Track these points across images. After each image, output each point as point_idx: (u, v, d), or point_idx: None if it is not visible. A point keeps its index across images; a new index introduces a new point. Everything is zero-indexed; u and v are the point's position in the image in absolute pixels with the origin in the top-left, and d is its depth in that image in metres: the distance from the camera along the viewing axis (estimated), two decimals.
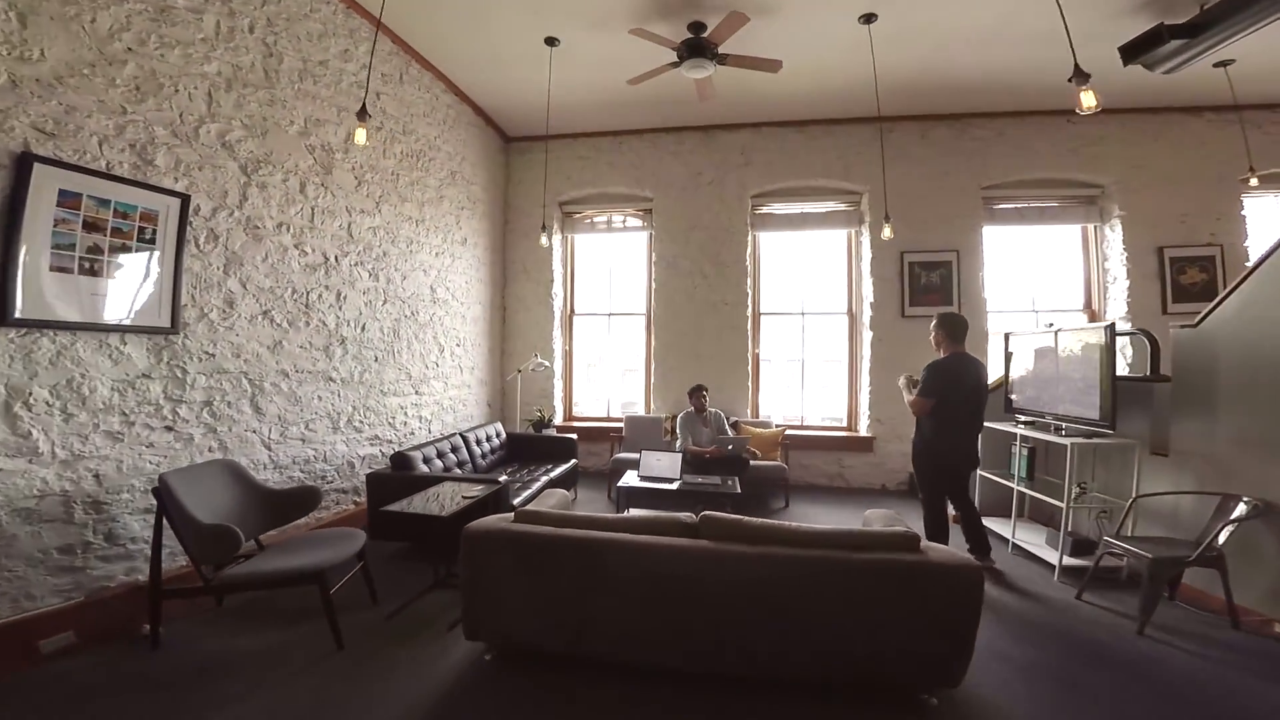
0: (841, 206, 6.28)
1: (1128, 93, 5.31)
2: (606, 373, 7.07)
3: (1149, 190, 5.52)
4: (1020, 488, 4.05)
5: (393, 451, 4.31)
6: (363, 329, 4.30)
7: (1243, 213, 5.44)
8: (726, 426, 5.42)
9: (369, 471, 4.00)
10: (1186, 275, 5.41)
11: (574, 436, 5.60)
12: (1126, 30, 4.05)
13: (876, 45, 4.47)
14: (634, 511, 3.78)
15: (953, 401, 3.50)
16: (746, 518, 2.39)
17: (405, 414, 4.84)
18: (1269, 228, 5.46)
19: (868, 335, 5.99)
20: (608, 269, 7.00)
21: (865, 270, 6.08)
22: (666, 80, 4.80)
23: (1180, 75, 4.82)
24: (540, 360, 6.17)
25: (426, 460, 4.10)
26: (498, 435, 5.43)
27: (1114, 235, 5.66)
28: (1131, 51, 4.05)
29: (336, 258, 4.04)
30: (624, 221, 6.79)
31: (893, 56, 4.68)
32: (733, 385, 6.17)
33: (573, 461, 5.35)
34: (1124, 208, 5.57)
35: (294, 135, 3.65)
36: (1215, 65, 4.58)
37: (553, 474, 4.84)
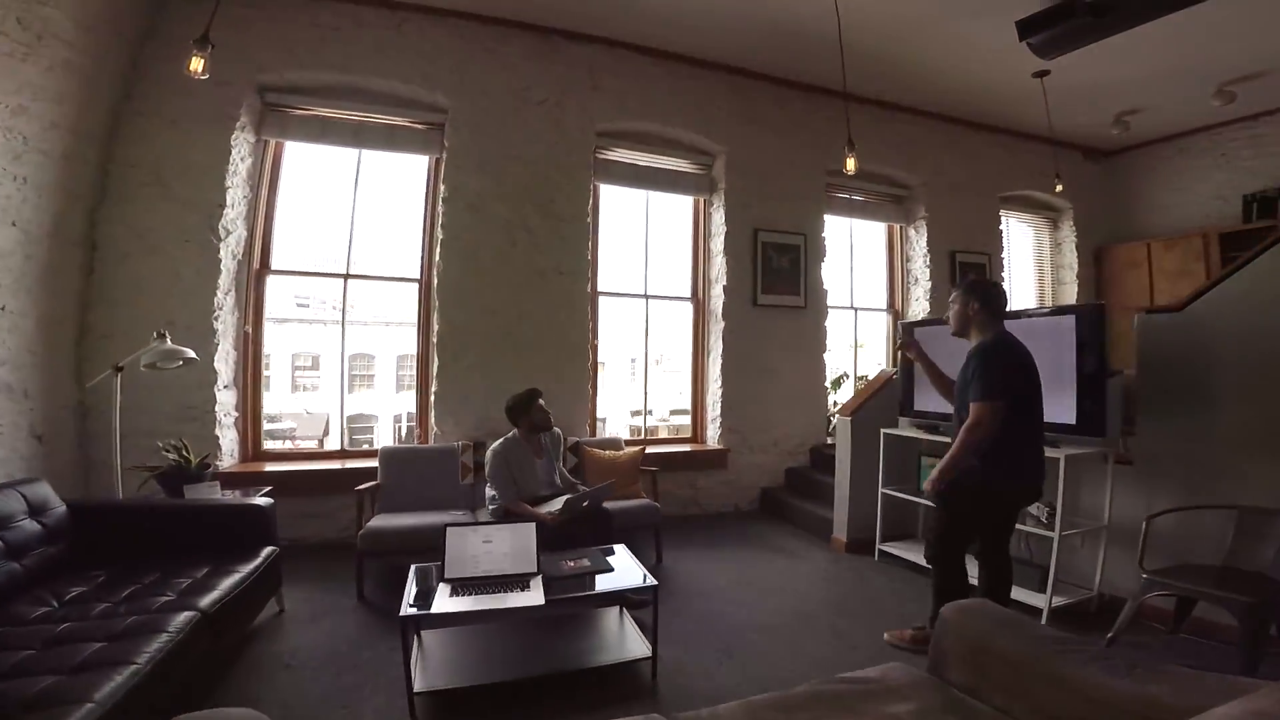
0: (693, 169, 5.07)
1: (940, 98, 5.43)
2: (334, 374, 4.48)
3: (946, 196, 5.77)
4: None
5: None
6: None
7: (1001, 228, 6.13)
8: (562, 454, 3.68)
9: None
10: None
11: (264, 502, 2.93)
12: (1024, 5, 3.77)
13: None
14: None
15: (1026, 403, 2.43)
16: None
17: None
18: (1018, 243, 6.31)
19: (718, 326, 4.93)
20: (348, 202, 4.39)
21: (717, 248, 5.00)
22: None
23: (983, 89, 5.01)
24: (172, 349, 3.08)
25: None
26: (34, 511, 2.37)
27: (918, 236, 5.78)
28: (1030, 27, 3.78)
29: None
30: (391, 133, 4.30)
31: None
32: (568, 391, 4.40)
33: (265, 553, 2.68)
34: (928, 210, 5.72)
35: None
36: (1034, 75, 4.79)
37: (207, 597, 2.15)
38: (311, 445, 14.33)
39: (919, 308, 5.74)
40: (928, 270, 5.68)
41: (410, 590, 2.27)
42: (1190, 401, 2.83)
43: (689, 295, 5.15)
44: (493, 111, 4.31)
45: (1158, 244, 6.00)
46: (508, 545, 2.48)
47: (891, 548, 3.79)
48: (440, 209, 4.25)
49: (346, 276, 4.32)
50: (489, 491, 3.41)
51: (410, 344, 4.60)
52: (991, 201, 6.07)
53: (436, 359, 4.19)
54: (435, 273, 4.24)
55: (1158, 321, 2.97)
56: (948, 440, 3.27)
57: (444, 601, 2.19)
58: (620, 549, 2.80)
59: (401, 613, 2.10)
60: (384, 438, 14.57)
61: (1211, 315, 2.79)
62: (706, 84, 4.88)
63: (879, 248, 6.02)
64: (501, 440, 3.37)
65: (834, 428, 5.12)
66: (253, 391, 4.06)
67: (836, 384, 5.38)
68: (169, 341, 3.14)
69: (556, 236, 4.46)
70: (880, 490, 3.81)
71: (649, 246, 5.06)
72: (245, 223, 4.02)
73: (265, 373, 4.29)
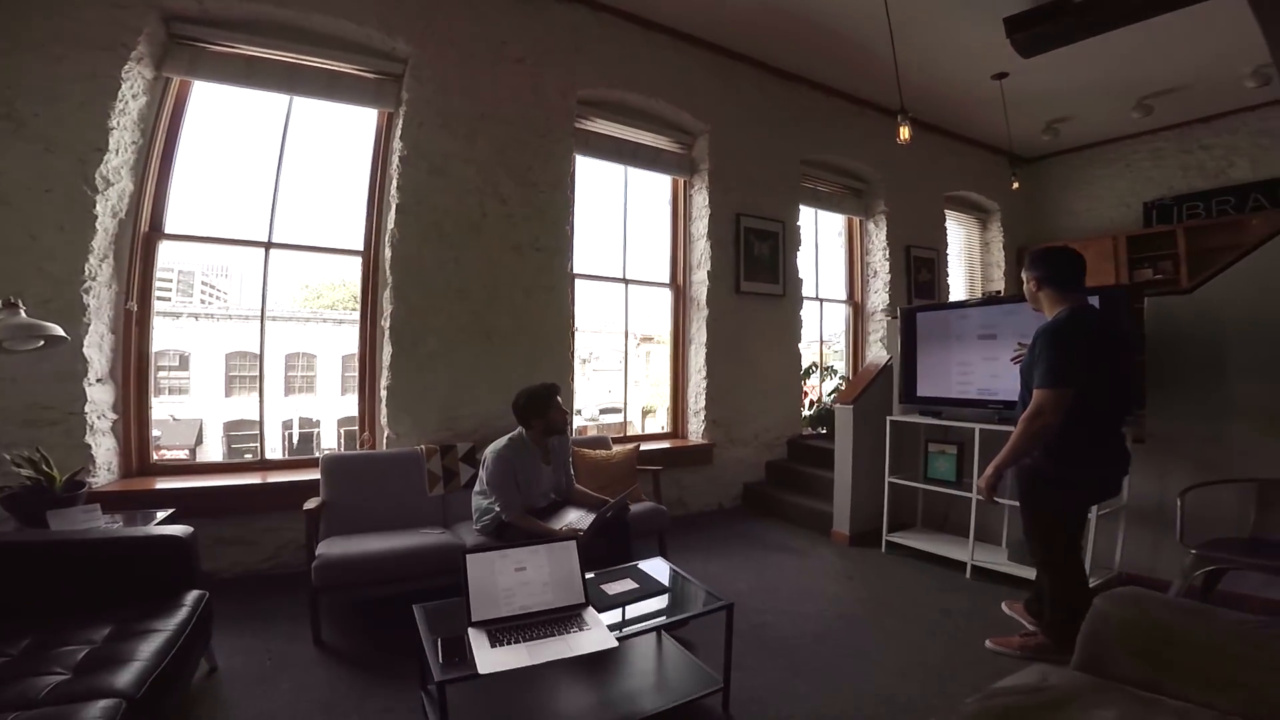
0: (674, 147, 4.70)
1: (905, 97, 5.48)
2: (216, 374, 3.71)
3: (902, 191, 5.85)
4: (950, 493, 3.38)
5: None
6: None
7: (945, 224, 6.34)
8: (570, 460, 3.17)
9: None
10: (921, 274, 5.95)
11: (179, 531, 2.09)
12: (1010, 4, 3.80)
13: None
14: None
15: (1098, 385, 2.15)
16: None
17: None
18: (954, 241, 6.56)
19: (701, 313, 4.59)
20: (271, 158, 3.56)
21: (700, 231, 4.66)
22: None
23: (943, 89, 5.12)
24: (28, 323, 2.21)
25: None
26: None
27: (877, 230, 5.82)
28: (1019, 24, 3.82)
29: None
30: (333, 80, 3.53)
31: None
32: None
33: (193, 600, 1.93)
34: (887, 204, 5.77)
35: None
36: (993, 77, 4.93)
37: (126, 673, 1.53)
38: (182, 456, 12.21)
39: (878, 300, 5.76)
40: (887, 263, 5.72)
41: (431, 642, 1.68)
42: (1201, 380, 2.88)
43: (668, 281, 4.76)
44: (463, 65, 3.68)
45: (1074, 245, 6.48)
46: (546, 572, 1.95)
47: (898, 538, 3.64)
48: (395, 170, 3.54)
49: (269, 245, 3.47)
50: (481, 502, 2.81)
51: (350, 330, 3.82)
52: (938, 200, 6.27)
53: (389, 347, 3.47)
54: (387, 245, 3.53)
55: (1167, 304, 3.01)
56: (965, 426, 3.15)
57: (489, 655, 1.63)
58: (657, 563, 2.35)
59: (438, 677, 1.52)
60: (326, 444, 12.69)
61: (1220, 298, 2.86)
62: (691, 60, 4.54)
63: (835, 240, 5.99)
64: (506, 441, 2.78)
65: (808, 419, 4.97)
66: (137, 387, 3.12)
67: (808, 374, 5.23)
68: (23, 314, 2.25)
69: (533, 207, 3.90)
70: (888, 480, 3.64)
71: (627, 228, 4.61)
72: (133, 174, 3.10)
73: (148, 365, 3.32)
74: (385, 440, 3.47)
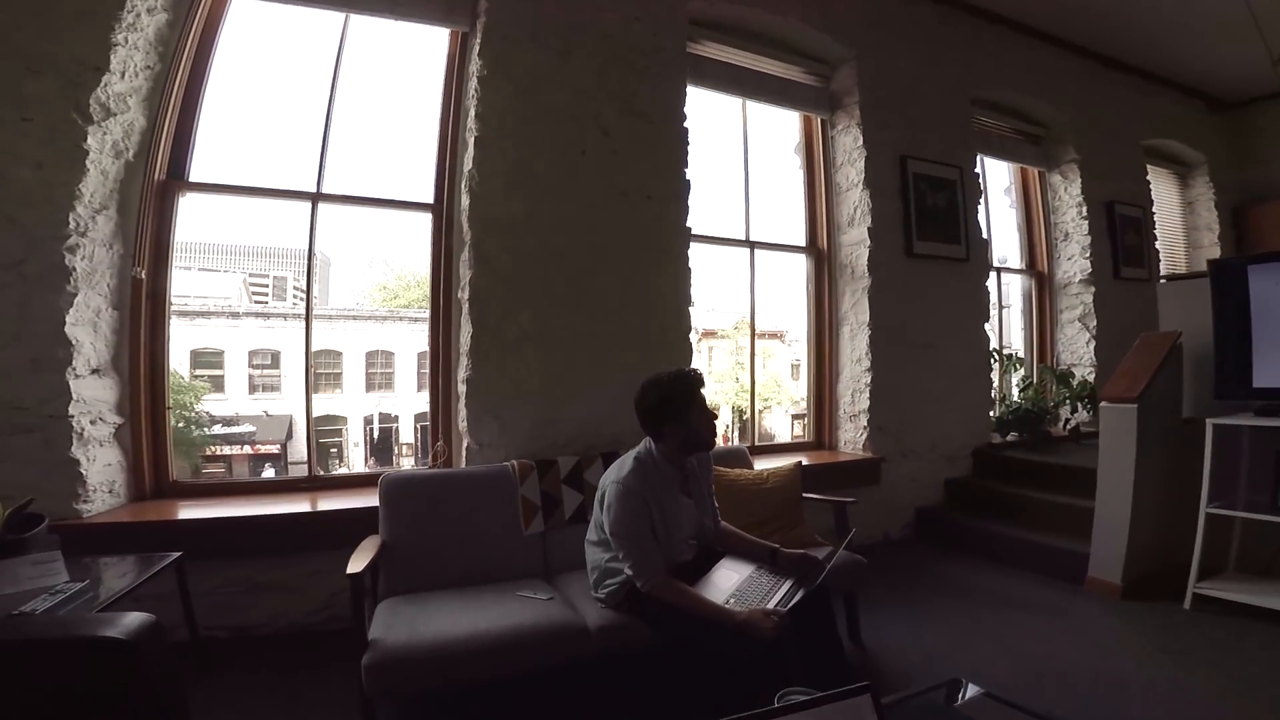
0: (806, 78, 3.57)
1: (1087, 25, 4.10)
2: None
3: (1094, 139, 4.42)
4: None
5: None
6: None
7: (1147, 179, 4.81)
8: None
9: None
10: (1129, 237, 4.48)
11: (116, 631, 1.79)
12: None
13: None
14: None
15: None
16: None
17: None
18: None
19: (859, 284, 3.40)
20: (320, 91, 2.73)
21: (850, 179, 3.48)
22: None
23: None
24: None
25: None
26: None
27: (1066, 183, 4.40)
28: None
29: None
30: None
31: None
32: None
33: None
34: (1079, 151, 4.34)
35: None
36: None
37: None
38: (274, 450, 12.13)
39: (1073, 268, 4.35)
40: (1084, 223, 4.29)
41: None
42: None
43: (804, 244, 3.61)
44: None
45: None
46: None
47: (1210, 588, 2.32)
48: (473, 96, 2.61)
49: (317, 197, 2.61)
50: (600, 556, 1.77)
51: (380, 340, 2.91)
52: (1135, 150, 4.76)
53: (468, 326, 2.52)
54: (464, 192, 2.59)
55: None
56: None
57: None
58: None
59: None
60: (355, 456, 12.42)
61: None
62: None
63: (1002, 197, 4.62)
64: (632, 465, 1.74)
65: (999, 422, 3.66)
66: (152, 382, 2.31)
67: (1011, 364, 3.91)
68: None
69: (642, 143, 2.87)
70: (1204, 509, 2.32)
71: (749, 177, 3.51)
72: (145, 107, 2.30)
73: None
74: (465, 452, 2.52)
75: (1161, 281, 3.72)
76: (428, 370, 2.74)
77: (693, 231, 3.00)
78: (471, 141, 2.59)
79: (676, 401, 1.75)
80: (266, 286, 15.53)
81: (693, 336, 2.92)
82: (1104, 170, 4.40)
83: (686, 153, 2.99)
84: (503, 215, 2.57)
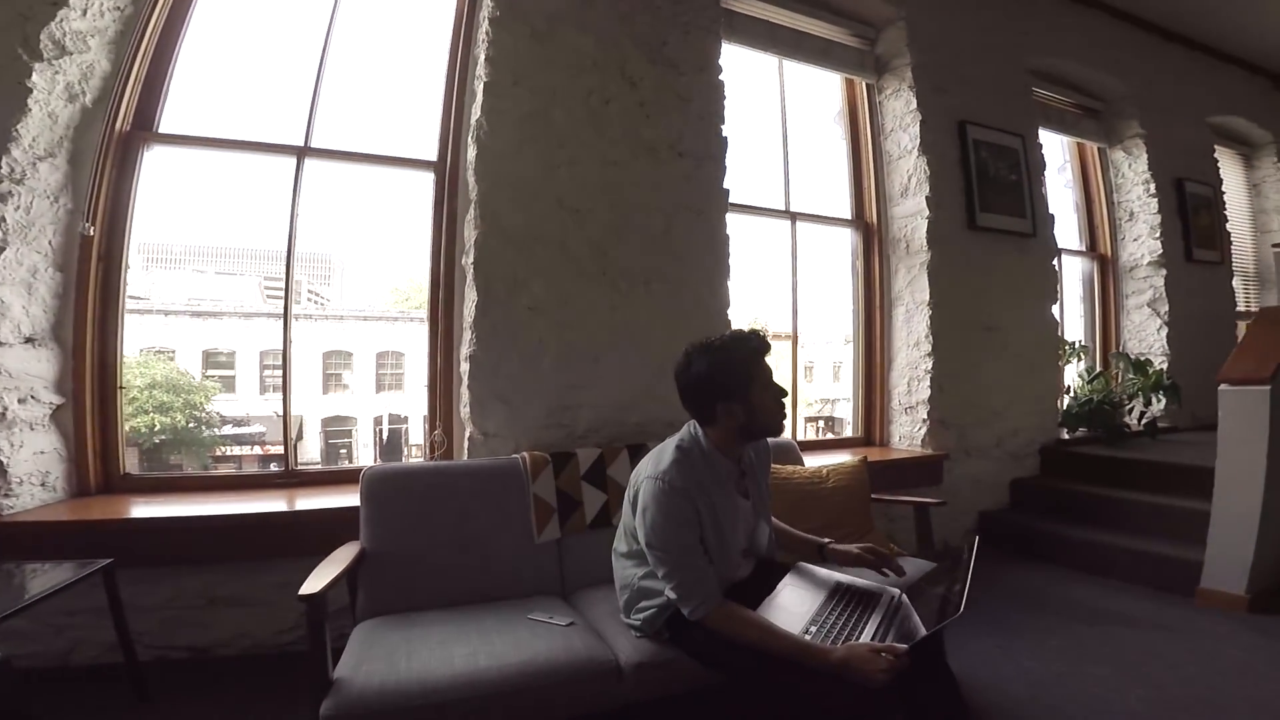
0: (850, 39, 3.18)
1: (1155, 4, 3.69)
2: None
3: (1158, 114, 3.96)
4: None
5: None
6: None
7: (1215, 157, 4.34)
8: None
9: None
10: (1200, 217, 4.01)
11: None
12: None
13: None
14: None
15: None
16: None
17: None
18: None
19: (916, 259, 2.98)
20: (311, 40, 2.37)
21: (903, 146, 3.06)
22: None
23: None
24: None
25: None
26: None
27: (1130, 160, 3.95)
28: None
29: None
30: None
31: None
32: None
33: None
34: (1144, 126, 3.89)
35: None
36: None
37: None
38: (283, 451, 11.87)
39: (1140, 250, 3.89)
40: (1153, 201, 3.83)
41: None
42: None
43: (851, 217, 3.19)
44: None
45: None
46: None
47: None
48: (483, 38, 2.23)
49: (304, 151, 2.24)
50: (632, 573, 1.37)
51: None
52: (1201, 127, 4.29)
53: (472, 294, 2.12)
54: (470, 143, 2.20)
55: None
56: None
57: None
58: None
59: None
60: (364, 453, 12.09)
61: None
62: None
63: (1059, 174, 4.17)
64: (674, 456, 1.33)
65: (1068, 415, 3.20)
66: (101, 358, 1.93)
67: (1075, 353, 3.46)
68: None
69: (674, 95, 2.48)
70: None
71: (788, 142, 3.10)
72: (110, 51, 1.96)
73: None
74: (467, 443, 2.12)
75: (1275, 249, 3.25)
76: (425, 349, 2.34)
77: (730, 198, 2.60)
78: (480, 89, 2.21)
79: (735, 372, 1.33)
80: (281, 289, 15.35)
81: (730, 314, 2.51)
82: (1170, 146, 3.95)
83: (723, 107, 2.59)
84: (514, 170, 2.19)
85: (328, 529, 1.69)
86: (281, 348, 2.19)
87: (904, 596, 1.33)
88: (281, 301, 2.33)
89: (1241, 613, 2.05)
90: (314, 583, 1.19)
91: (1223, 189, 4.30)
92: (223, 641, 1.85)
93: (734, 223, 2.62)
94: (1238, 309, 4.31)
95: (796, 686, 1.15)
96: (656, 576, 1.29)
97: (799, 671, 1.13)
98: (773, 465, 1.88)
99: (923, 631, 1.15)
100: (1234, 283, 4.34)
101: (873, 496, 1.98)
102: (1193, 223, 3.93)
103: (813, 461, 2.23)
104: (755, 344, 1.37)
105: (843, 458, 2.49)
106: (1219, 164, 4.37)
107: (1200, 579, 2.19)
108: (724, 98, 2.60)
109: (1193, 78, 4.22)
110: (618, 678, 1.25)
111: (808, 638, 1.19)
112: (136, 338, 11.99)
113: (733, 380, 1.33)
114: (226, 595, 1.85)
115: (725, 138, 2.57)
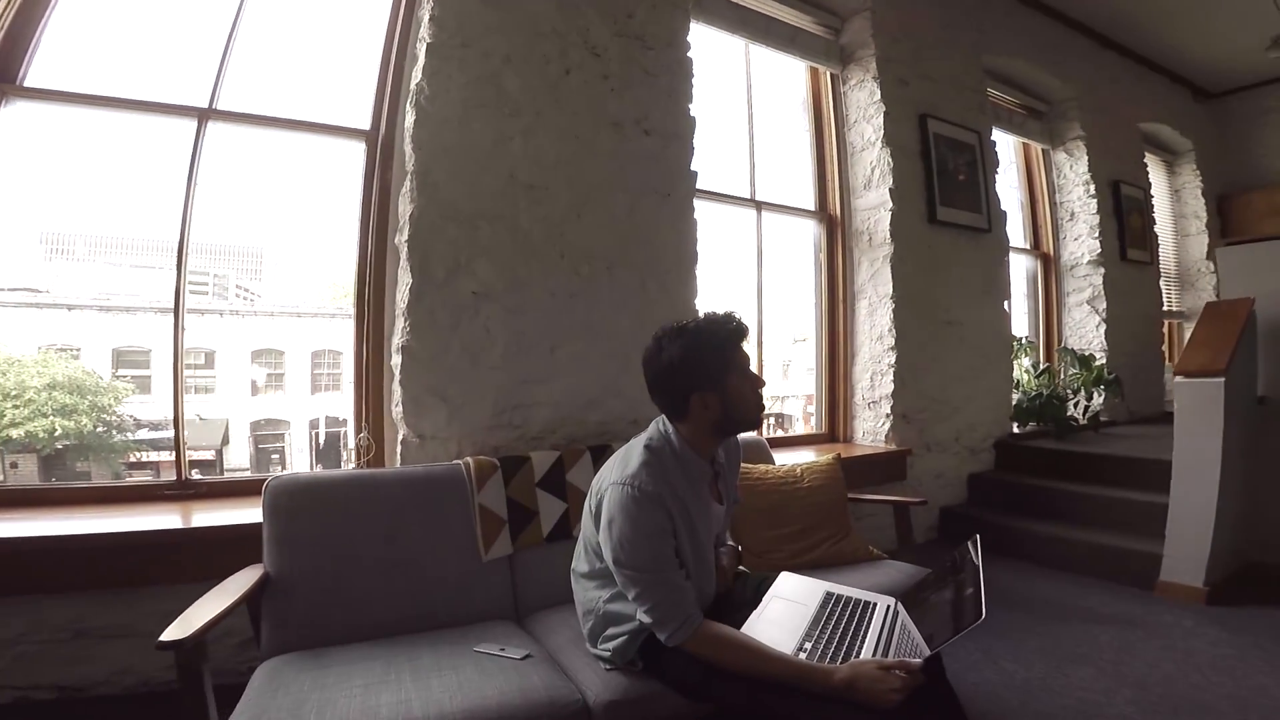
0: (816, 28, 3.09)
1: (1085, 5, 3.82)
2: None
3: (1100, 116, 4.11)
4: None
5: None
6: None
7: (1144, 161, 4.55)
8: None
9: None
10: (1133, 219, 4.18)
11: None
12: None
13: None
14: None
15: None
16: None
17: None
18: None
19: (879, 252, 2.91)
20: None
21: (867, 137, 2.99)
22: None
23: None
24: None
25: None
26: None
27: (1072, 161, 4.07)
28: None
29: None
30: None
31: None
32: None
33: None
34: (1084, 129, 4.02)
35: None
36: None
37: None
38: (209, 457, 10.89)
39: (1080, 249, 4.01)
40: (1092, 202, 3.95)
41: None
42: None
43: (814, 208, 3.10)
44: None
45: None
46: None
47: None
48: None
49: (207, 114, 1.92)
50: (595, 596, 1.16)
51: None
52: (1133, 132, 4.50)
53: (406, 277, 1.86)
54: (409, 109, 1.94)
55: None
56: None
57: None
58: None
59: None
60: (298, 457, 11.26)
61: None
62: None
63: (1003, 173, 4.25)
64: (642, 457, 1.14)
65: (1020, 410, 3.23)
66: None
67: (1024, 348, 3.49)
68: None
69: (640, 69, 2.29)
70: None
71: (754, 130, 2.98)
72: None
73: None
74: (400, 448, 1.86)
75: (1223, 246, 3.40)
76: (351, 342, 2.06)
77: (697, 181, 2.43)
78: (423, 50, 1.95)
79: (712, 358, 1.16)
80: (206, 285, 14.15)
81: (698, 304, 2.34)
82: (1107, 150, 4.10)
83: (691, 86, 2.42)
84: (458, 139, 1.94)
85: (228, 547, 1.42)
86: (173, 341, 1.84)
87: (899, 605, 1.19)
88: (203, 296, 1.98)
89: (1201, 604, 2.06)
90: (184, 625, 0.92)
91: (1151, 193, 4.51)
92: (97, 682, 1.53)
93: (700, 209, 2.45)
94: (1164, 309, 4.54)
95: (796, 716, 0.99)
96: (626, 598, 1.10)
97: (798, 697, 0.97)
98: (743, 464, 1.73)
99: (929, 646, 1.01)
100: (1160, 283, 4.57)
101: (850, 496, 1.85)
102: (1127, 223, 4.09)
103: (779, 459, 2.09)
104: (733, 327, 1.20)
105: (809, 455, 2.39)
106: (1148, 169, 4.59)
107: (1160, 571, 2.20)
108: (693, 76, 2.44)
109: (1126, 83, 4.41)
110: None
111: (803, 657, 1.03)
112: (34, 334, 10.70)
113: (709, 367, 1.16)
114: (101, 626, 1.53)
115: (694, 118, 2.41)
